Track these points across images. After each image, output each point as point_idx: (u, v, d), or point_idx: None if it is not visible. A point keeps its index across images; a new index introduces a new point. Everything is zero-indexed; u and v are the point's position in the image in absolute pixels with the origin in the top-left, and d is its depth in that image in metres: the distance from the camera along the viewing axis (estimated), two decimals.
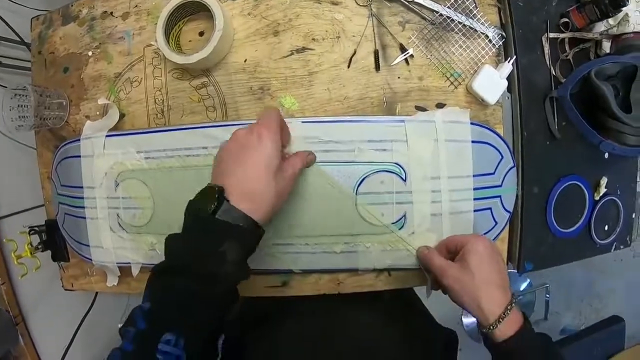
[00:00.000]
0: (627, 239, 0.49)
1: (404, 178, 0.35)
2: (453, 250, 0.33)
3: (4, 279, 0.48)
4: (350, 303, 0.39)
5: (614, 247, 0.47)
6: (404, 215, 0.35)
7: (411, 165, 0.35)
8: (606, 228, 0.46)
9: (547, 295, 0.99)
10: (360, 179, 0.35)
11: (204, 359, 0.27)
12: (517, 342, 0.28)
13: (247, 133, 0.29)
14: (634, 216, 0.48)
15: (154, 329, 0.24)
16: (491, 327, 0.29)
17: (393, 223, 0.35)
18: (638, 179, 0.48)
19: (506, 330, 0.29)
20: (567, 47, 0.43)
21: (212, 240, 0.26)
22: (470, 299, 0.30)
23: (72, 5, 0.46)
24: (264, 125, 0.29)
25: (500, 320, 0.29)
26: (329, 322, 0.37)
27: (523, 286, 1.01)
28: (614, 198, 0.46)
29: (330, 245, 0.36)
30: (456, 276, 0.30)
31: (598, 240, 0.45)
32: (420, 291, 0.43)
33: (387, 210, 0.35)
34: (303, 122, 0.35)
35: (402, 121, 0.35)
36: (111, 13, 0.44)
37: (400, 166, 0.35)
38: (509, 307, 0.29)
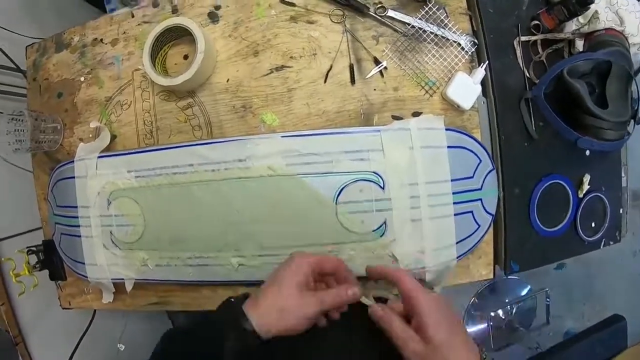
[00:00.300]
0: (617, 234, 0.49)
1: (382, 186, 0.36)
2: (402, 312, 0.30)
3: (3, 299, 0.49)
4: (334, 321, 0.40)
5: (603, 243, 0.48)
6: (384, 222, 0.36)
7: (388, 173, 0.36)
8: (593, 225, 0.47)
9: (548, 300, 0.98)
10: (340, 189, 0.36)
11: None
12: None
13: (289, 256, 0.31)
14: (621, 211, 0.49)
15: None
16: None
17: (374, 230, 0.36)
18: (623, 174, 0.49)
19: None
20: (539, 49, 0.44)
21: (217, 328, 0.29)
22: None
23: (64, 34, 0.49)
24: (302, 252, 0.31)
25: None
26: (303, 341, 0.38)
27: (523, 292, 1.00)
28: (599, 194, 0.46)
29: (317, 253, 0.37)
30: (420, 351, 0.27)
31: (586, 238, 0.46)
32: None
33: (368, 218, 0.36)
34: (282, 136, 0.37)
35: (378, 131, 0.36)
36: (101, 40, 0.47)
37: (378, 174, 0.36)
38: None
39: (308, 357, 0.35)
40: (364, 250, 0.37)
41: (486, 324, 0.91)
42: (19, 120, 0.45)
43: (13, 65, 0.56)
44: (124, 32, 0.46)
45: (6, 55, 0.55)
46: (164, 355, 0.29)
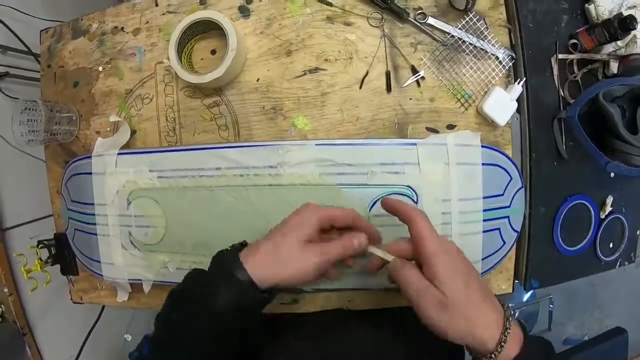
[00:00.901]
0: (632, 255, 0.50)
1: (416, 200, 0.36)
2: (408, 257, 0.29)
3: (11, 290, 0.48)
4: (353, 314, 0.40)
5: (618, 263, 0.49)
6: None
7: (423, 188, 0.36)
8: (611, 245, 0.48)
9: (551, 306, 1.00)
10: (373, 202, 0.36)
11: None
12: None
13: (300, 206, 0.30)
14: (638, 233, 0.50)
15: (154, 356, 0.27)
16: (493, 355, 0.24)
17: None
18: None
19: (510, 351, 0.24)
20: (575, 68, 0.44)
21: (210, 280, 0.28)
22: (461, 331, 0.25)
23: (81, 19, 0.47)
24: (314, 205, 0.30)
25: (503, 344, 0.24)
26: (332, 334, 0.38)
27: (526, 297, 1.02)
28: (619, 216, 0.47)
29: (344, 266, 0.37)
30: (438, 303, 0.25)
31: (603, 258, 0.47)
32: None
33: (399, 232, 0.36)
34: (317, 145, 0.36)
35: (414, 144, 0.36)
36: (122, 28, 0.45)
37: (412, 189, 0.36)
38: (507, 325, 0.24)
39: (336, 350, 0.35)
40: None
41: None
42: (33, 110, 0.43)
43: (24, 48, 0.53)
44: (147, 22, 0.44)
45: (18, 37, 0.52)
46: (165, 320, 0.28)
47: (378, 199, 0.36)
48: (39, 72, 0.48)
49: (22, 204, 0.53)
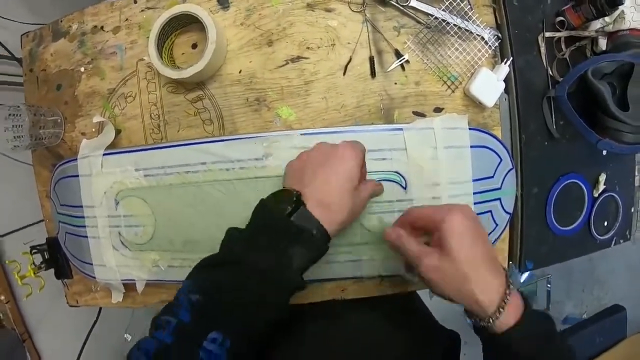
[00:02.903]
0: (627, 233, 0.49)
1: (404, 186, 0.34)
2: (421, 228, 0.28)
3: (8, 297, 0.47)
4: (350, 305, 0.39)
5: (613, 242, 0.47)
6: None
7: (411, 173, 0.34)
8: (605, 224, 0.46)
9: (549, 285, 0.99)
10: None
11: None
12: (523, 331, 0.24)
13: (332, 147, 0.29)
14: (632, 210, 0.48)
15: (200, 325, 0.23)
16: (491, 320, 0.24)
17: None
18: (636, 173, 0.48)
19: (509, 318, 0.24)
20: (563, 46, 0.42)
21: (282, 242, 0.25)
22: (458, 291, 0.25)
23: (61, 21, 0.45)
24: (350, 145, 0.29)
25: (501, 309, 0.24)
26: (328, 324, 0.37)
27: (524, 277, 1.01)
28: (612, 194, 0.46)
29: (334, 255, 0.36)
30: (436, 265, 0.25)
31: (598, 236, 0.45)
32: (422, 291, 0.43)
33: (389, 219, 0.35)
34: (302, 134, 0.35)
35: (401, 129, 0.34)
36: (101, 27, 0.43)
37: (400, 174, 0.34)
38: (507, 292, 0.24)
39: (334, 338, 0.35)
40: (384, 251, 0.35)
41: None
42: (17, 115, 0.41)
43: (7, 54, 0.52)
44: (126, 19, 0.43)
45: (1, 44, 0.51)
46: (213, 298, 0.24)
47: None
48: (21, 76, 0.46)
49: (13, 210, 0.51)
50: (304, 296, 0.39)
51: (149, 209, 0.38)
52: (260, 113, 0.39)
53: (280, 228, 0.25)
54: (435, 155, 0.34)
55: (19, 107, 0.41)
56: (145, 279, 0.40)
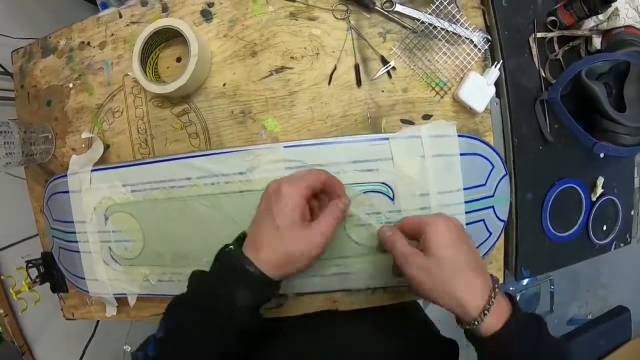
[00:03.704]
0: (627, 236, 0.46)
1: (392, 197, 0.33)
2: (410, 234, 0.29)
3: (6, 310, 0.47)
4: (342, 316, 0.38)
5: (613, 246, 0.45)
6: None
7: (398, 184, 0.33)
8: (604, 228, 0.44)
9: (552, 287, 0.97)
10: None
11: None
12: (509, 335, 0.24)
13: (274, 187, 0.28)
14: (632, 213, 0.46)
15: (161, 358, 0.26)
16: (476, 323, 0.24)
17: None
18: (636, 175, 0.46)
19: (495, 322, 0.24)
20: (556, 47, 0.40)
21: (229, 281, 0.26)
22: (443, 293, 0.25)
23: (50, 37, 0.45)
24: (288, 182, 0.28)
25: (486, 312, 0.24)
26: (320, 336, 0.36)
27: (526, 280, 0.99)
28: (611, 197, 0.44)
29: (322, 268, 0.35)
30: (421, 264, 0.25)
31: (597, 241, 0.43)
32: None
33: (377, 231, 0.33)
34: (285, 146, 0.34)
35: (387, 139, 0.33)
36: (88, 43, 0.43)
37: (387, 185, 0.33)
38: (492, 296, 0.24)
39: (327, 351, 0.34)
40: (373, 264, 0.34)
41: None
42: (7, 132, 0.41)
43: (1, 69, 0.52)
44: (112, 34, 0.42)
45: None
46: (172, 336, 0.27)
47: (352, 198, 0.33)
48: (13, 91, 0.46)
49: (10, 224, 0.52)
50: (297, 308, 0.39)
51: (137, 224, 0.38)
52: (245, 125, 0.38)
53: (224, 268, 0.27)
54: (423, 165, 0.33)
55: (8, 123, 0.41)
56: (136, 293, 0.40)
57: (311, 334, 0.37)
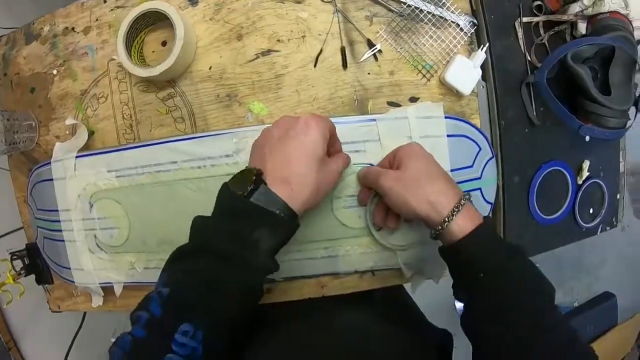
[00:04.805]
0: (613, 219, 0.46)
1: None
2: (389, 166, 0.30)
3: None
4: (336, 305, 0.37)
5: (600, 229, 0.45)
6: None
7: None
8: (591, 211, 0.44)
9: None
10: None
11: (221, 356, 0.23)
12: (478, 238, 0.24)
13: (293, 119, 0.26)
14: (618, 197, 0.46)
15: (170, 318, 0.22)
16: (446, 221, 0.24)
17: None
18: (621, 159, 0.46)
19: (464, 224, 0.24)
20: (541, 31, 0.40)
21: (245, 225, 0.23)
22: (417, 196, 0.25)
23: (33, 23, 0.43)
24: (313, 116, 0.26)
25: (456, 210, 0.24)
26: (310, 327, 0.35)
27: None
28: (597, 180, 0.44)
29: (311, 251, 0.34)
30: (394, 176, 0.27)
31: (583, 224, 0.43)
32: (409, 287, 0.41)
33: (365, 213, 0.33)
34: None
35: (374, 120, 0.33)
36: (72, 28, 0.41)
37: (374, 166, 0.33)
38: (462, 200, 0.25)
39: (317, 341, 0.33)
40: (362, 246, 0.33)
41: None
42: None
43: None
44: (97, 19, 0.41)
45: None
46: (182, 289, 0.22)
47: (340, 180, 0.32)
48: None
49: None
50: (284, 294, 0.38)
51: (122, 211, 0.36)
52: (231, 109, 0.37)
53: (242, 211, 0.24)
54: None
55: None
56: (122, 282, 0.38)
57: (298, 327, 0.36)
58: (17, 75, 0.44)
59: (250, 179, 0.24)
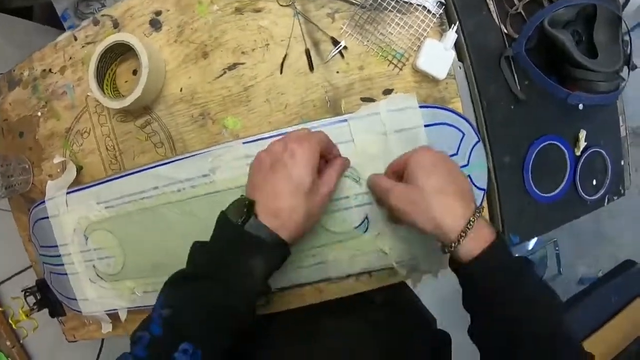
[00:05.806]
0: (620, 188, 0.43)
1: (358, 179, 0.31)
2: (399, 172, 0.29)
3: (13, 342, 0.48)
4: (332, 311, 0.36)
5: (607, 200, 0.42)
6: (366, 218, 0.32)
7: (363, 165, 0.31)
8: (594, 182, 0.41)
9: (557, 249, 0.93)
10: None
11: None
12: (485, 263, 0.23)
13: (280, 145, 0.26)
14: (622, 163, 0.43)
15: (170, 337, 0.23)
16: (453, 245, 0.23)
17: (356, 227, 0.32)
18: (621, 123, 0.43)
19: (473, 247, 0.23)
20: (515, 0, 0.37)
21: (241, 253, 0.25)
22: (423, 217, 0.24)
23: (14, 70, 0.44)
24: (298, 140, 0.26)
25: (463, 235, 0.23)
26: (308, 332, 0.34)
27: (531, 245, 0.95)
28: (597, 149, 0.41)
29: (300, 260, 0.34)
30: (402, 192, 0.26)
31: (587, 197, 0.41)
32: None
33: (348, 216, 0.32)
34: (244, 142, 0.32)
35: (345, 120, 0.31)
36: (50, 70, 0.42)
37: (351, 168, 0.31)
38: (472, 219, 0.23)
39: (318, 348, 0.33)
40: (349, 250, 0.32)
41: None
42: None
43: None
44: (70, 58, 0.41)
45: None
46: (181, 312, 0.24)
47: None
48: None
49: (5, 257, 0.52)
50: (285, 303, 0.37)
51: (115, 240, 0.37)
52: (206, 128, 0.37)
53: (237, 239, 0.25)
54: (386, 142, 0.31)
55: None
56: (126, 307, 0.39)
57: (297, 333, 0.36)
58: (5, 121, 0.45)
59: (242, 211, 0.25)
